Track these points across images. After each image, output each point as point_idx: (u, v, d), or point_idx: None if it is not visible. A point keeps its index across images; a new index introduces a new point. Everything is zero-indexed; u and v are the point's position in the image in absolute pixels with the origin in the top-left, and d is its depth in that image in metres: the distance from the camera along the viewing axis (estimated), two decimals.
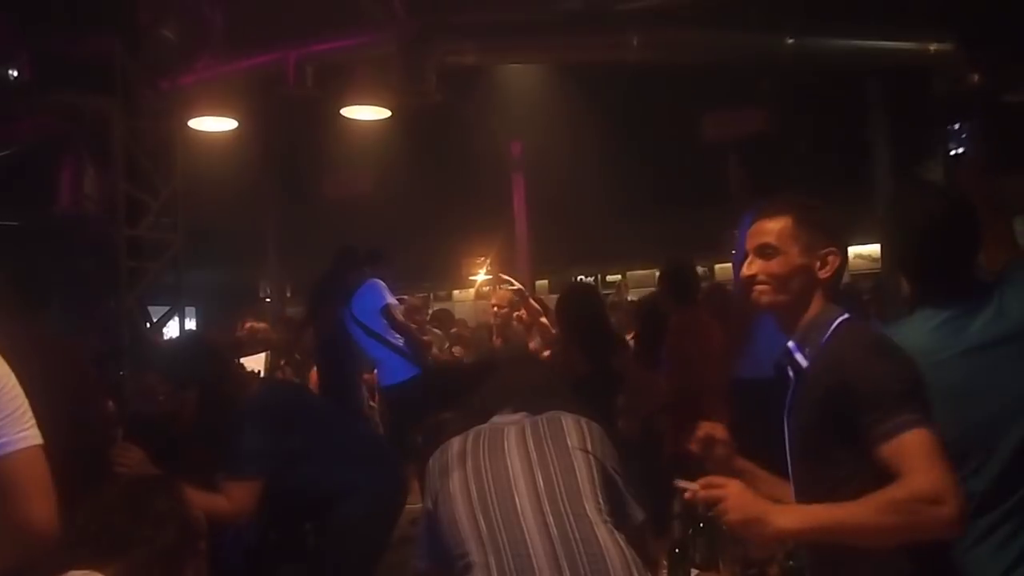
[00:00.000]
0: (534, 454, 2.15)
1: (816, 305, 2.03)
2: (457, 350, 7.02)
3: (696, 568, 2.58)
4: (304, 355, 7.04)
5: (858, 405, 1.82)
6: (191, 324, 8.16)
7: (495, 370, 2.57)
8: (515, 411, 2.28)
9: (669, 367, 4.65)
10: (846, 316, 2.01)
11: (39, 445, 1.96)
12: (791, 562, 2.43)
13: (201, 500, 3.04)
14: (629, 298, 10.13)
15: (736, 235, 3.94)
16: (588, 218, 11.46)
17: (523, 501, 2.06)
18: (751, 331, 3.73)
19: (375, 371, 6.56)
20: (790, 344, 2.03)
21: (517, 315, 6.47)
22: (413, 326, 6.44)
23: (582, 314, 4.69)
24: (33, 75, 6.46)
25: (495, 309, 6.67)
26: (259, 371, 5.77)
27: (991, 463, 2.04)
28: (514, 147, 11.13)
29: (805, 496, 2.00)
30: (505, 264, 13.02)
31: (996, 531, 2.02)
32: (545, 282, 14.21)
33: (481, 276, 14.14)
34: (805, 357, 2.00)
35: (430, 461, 2.25)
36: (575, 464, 2.14)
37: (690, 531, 2.61)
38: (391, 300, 6.05)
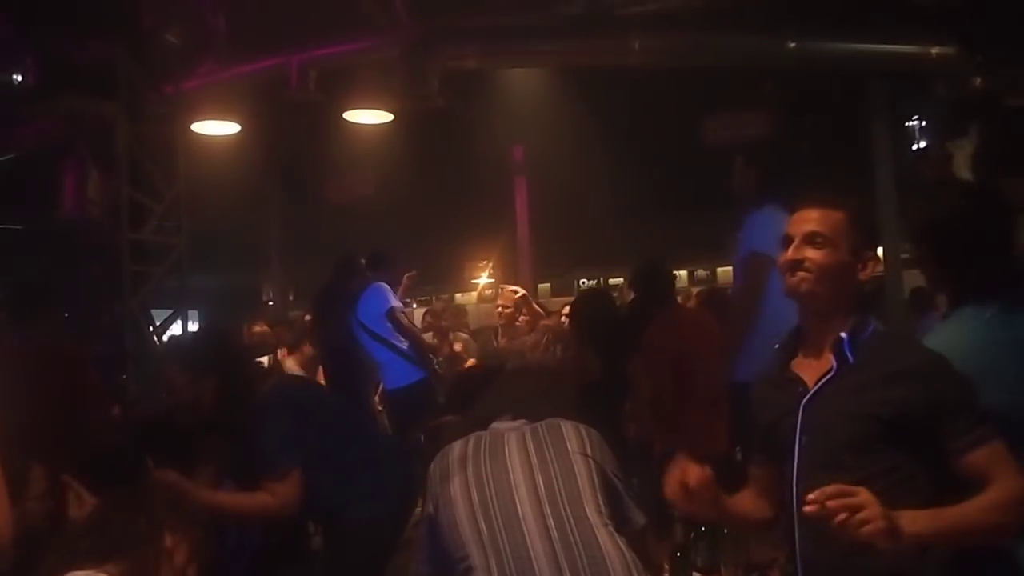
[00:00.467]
0: (535, 458, 2.16)
1: (851, 306, 2.06)
2: (458, 346, 7.04)
3: (698, 571, 2.59)
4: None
5: (942, 415, 1.89)
6: (194, 328, 8.17)
7: (496, 378, 2.58)
8: (514, 418, 2.29)
9: (649, 367, 4.62)
10: (874, 322, 2.06)
11: None
12: (792, 566, 2.43)
13: (246, 501, 3.06)
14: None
15: (738, 238, 3.95)
16: (590, 221, 11.46)
17: (524, 504, 2.07)
18: (748, 335, 3.73)
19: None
20: (844, 335, 2.02)
21: (522, 318, 6.52)
22: (418, 329, 6.45)
23: (595, 318, 4.70)
24: (37, 80, 6.48)
25: (500, 309, 6.69)
26: None
27: None
28: (516, 151, 11.14)
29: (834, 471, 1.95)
30: (507, 267, 13.04)
31: None
32: (547, 285, 14.21)
33: (483, 279, 14.15)
34: (852, 353, 2.01)
35: (431, 466, 2.25)
36: (575, 468, 2.15)
37: (692, 534, 2.62)
38: (396, 304, 6.05)
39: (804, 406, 2.03)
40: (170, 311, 7.43)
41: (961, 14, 6.06)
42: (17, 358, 3.73)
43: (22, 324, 4.10)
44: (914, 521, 1.78)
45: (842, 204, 2.09)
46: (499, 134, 10.38)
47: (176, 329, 7.56)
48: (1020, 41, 6.00)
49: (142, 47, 6.72)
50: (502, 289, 7.04)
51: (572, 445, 2.19)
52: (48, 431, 3.50)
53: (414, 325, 6.53)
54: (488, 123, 9.71)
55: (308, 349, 6.23)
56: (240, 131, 7.00)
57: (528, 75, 9.08)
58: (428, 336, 7.27)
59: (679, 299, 5.94)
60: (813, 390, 2.03)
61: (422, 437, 3.92)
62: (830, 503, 1.72)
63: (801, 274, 2.06)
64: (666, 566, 2.56)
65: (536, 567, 1.98)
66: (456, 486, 2.12)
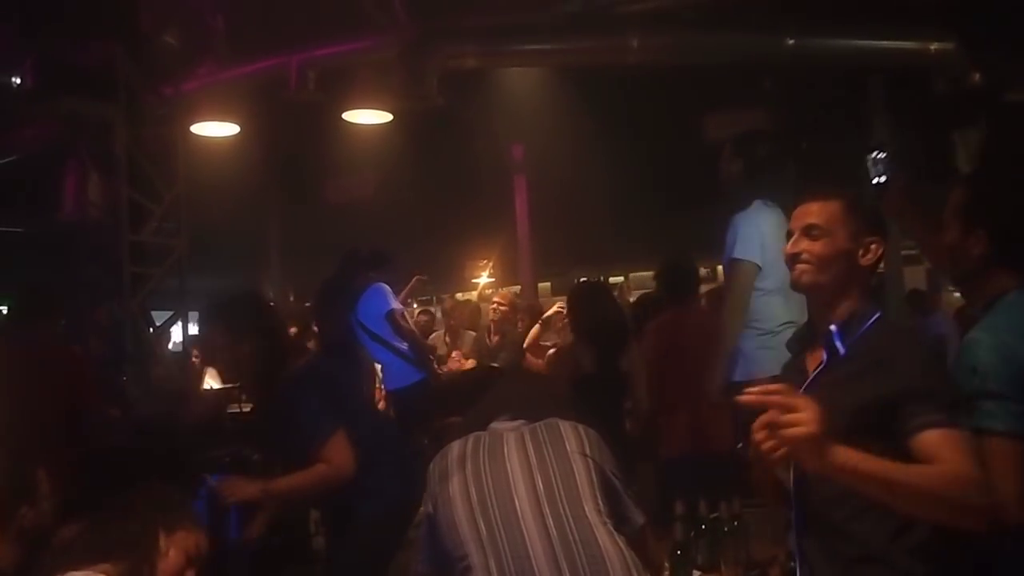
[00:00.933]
0: (533, 458, 2.16)
1: (856, 294, 2.09)
2: (465, 349, 7.07)
3: (698, 569, 2.59)
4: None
5: (905, 401, 1.89)
6: (194, 329, 8.19)
7: (493, 380, 2.59)
8: (513, 418, 2.29)
9: (660, 365, 4.63)
10: (880, 314, 2.06)
11: None
12: (792, 563, 2.43)
13: (305, 479, 3.07)
14: (631, 299, 10.13)
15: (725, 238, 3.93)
16: (590, 220, 11.44)
17: (523, 504, 2.07)
18: (737, 337, 3.72)
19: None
20: (833, 328, 2.05)
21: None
22: (416, 331, 6.45)
23: (591, 311, 4.70)
24: (36, 82, 6.49)
25: (495, 306, 6.70)
26: None
27: None
28: (516, 150, 11.13)
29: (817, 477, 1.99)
30: (508, 267, 13.04)
31: None
32: (548, 284, 14.20)
33: (484, 279, 14.14)
34: (843, 345, 2.03)
35: (430, 465, 2.26)
36: (574, 468, 2.15)
37: (692, 533, 2.62)
38: (396, 305, 6.05)
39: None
40: (170, 312, 7.43)
41: (960, 10, 6.05)
42: (18, 360, 3.74)
43: (23, 326, 4.11)
44: (845, 453, 1.78)
45: (838, 193, 2.13)
46: (498, 133, 10.37)
47: (176, 331, 7.57)
48: (1020, 36, 5.99)
49: (141, 49, 6.72)
50: (500, 287, 7.08)
51: (571, 445, 2.19)
52: (49, 432, 3.51)
53: (412, 326, 6.53)
54: (487, 122, 9.70)
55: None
56: (239, 132, 7.00)
57: (527, 74, 9.07)
58: (440, 335, 7.28)
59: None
60: (807, 382, 2.06)
61: (426, 440, 3.91)
62: (768, 397, 1.75)
63: (801, 266, 2.10)
64: (666, 564, 2.56)
65: (535, 566, 1.98)
66: (455, 486, 2.12)
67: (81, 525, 1.99)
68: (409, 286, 6.96)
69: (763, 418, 1.76)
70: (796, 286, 2.13)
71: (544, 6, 6.00)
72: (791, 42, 5.90)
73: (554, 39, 6.15)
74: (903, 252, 7.47)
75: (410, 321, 6.57)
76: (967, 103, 6.39)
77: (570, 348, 4.82)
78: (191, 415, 5.68)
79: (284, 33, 6.48)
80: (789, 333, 2.34)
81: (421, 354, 6.19)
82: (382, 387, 6.48)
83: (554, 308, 6.02)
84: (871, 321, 2.05)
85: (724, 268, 3.91)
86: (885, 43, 6.23)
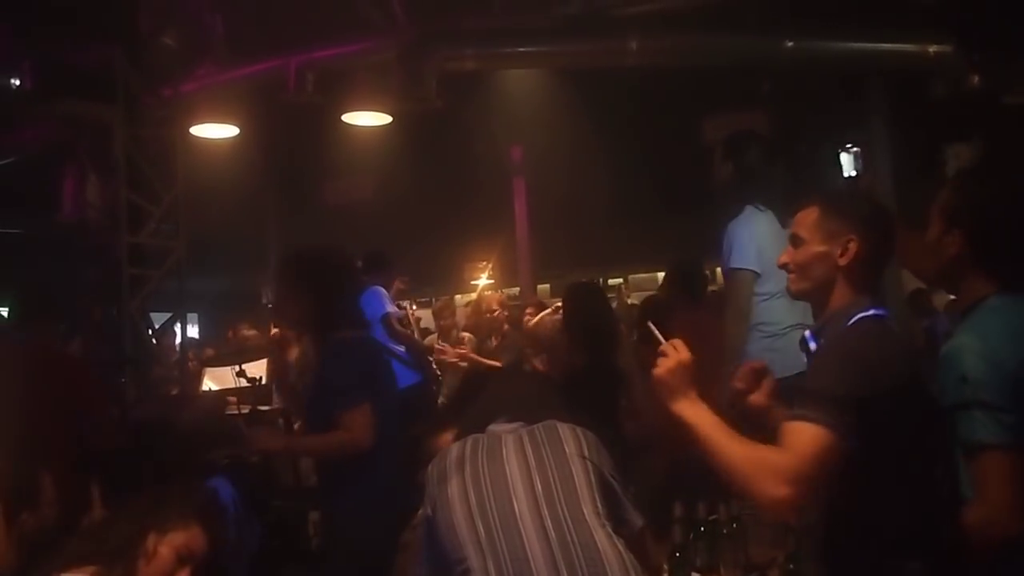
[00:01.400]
0: (532, 460, 2.16)
1: (840, 293, 2.11)
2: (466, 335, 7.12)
3: (696, 572, 2.59)
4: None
5: (799, 394, 1.94)
6: (193, 331, 8.19)
7: (489, 382, 2.59)
8: (510, 420, 2.28)
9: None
10: (872, 312, 2.04)
11: None
12: (791, 565, 2.43)
13: (320, 441, 3.21)
14: (630, 301, 10.14)
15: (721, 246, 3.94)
16: (589, 222, 11.46)
17: (521, 506, 2.07)
18: (739, 331, 3.72)
19: None
20: (806, 333, 2.13)
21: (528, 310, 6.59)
22: (411, 332, 6.45)
23: (583, 307, 4.72)
24: (35, 84, 6.48)
25: (487, 315, 6.74)
26: (261, 377, 5.78)
27: None
28: (514, 151, 11.14)
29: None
30: (507, 268, 13.04)
31: None
32: (547, 286, 14.20)
33: (483, 280, 14.14)
34: (817, 343, 2.09)
35: (428, 467, 2.25)
36: (573, 470, 2.15)
37: (691, 535, 2.62)
38: (391, 309, 6.05)
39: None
40: (169, 314, 7.43)
41: (959, 12, 6.05)
42: (17, 362, 3.73)
43: (21, 328, 4.10)
44: (686, 405, 1.98)
45: (815, 199, 2.18)
46: (497, 135, 10.38)
47: (175, 332, 7.56)
48: (1018, 39, 5.99)
49: (140, 50, 6.71)
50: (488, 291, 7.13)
51: (570, 447, 2.19)
52: (50, 435, 3.50)
53: (409, 328, 6.53)
54: (486, 124, 9.71)
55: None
56: (238, 134, 7.00)
57: (526, 76, 9.08)
58: (435, 338, 7.29)
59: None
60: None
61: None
62: (662, 348, 2.04)
63: (789, 276, 2.19)
64: (665, 567, 2.56)
65: (533, 568, 1.98)
66: (454, 488, 2.12)
67: (89, 527, 1.99)
68: (392, 291, 6.96)
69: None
70: (789, 295, 2.23)
71: (543, 8, 6.00)
72: (790, 44, 5.90)
73: (553, 41, 6.16)
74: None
75: (413, 323, 6.58)
76: (963, 111, 6.40)
77: (563, 346, 4.83)
78: (189, 417, 5.67)
79: (283, 35, 6.48)
80: (797, 334, 2.36)
81: (418, 356, 6.19)
82: None
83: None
84: (854, 319, 2.04)
85: (724, 276, 3.91)
86: (884, 45, 6.23)
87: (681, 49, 6.12)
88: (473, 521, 2.06)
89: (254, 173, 10.00)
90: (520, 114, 9.53)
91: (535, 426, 2.25)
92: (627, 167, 10.32)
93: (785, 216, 3.54)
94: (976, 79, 6.13)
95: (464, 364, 6.55)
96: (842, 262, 2.10)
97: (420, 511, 2.23)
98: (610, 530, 2.08)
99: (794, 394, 1.96)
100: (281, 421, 5.48)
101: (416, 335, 6.74)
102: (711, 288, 6.30)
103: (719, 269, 4.34)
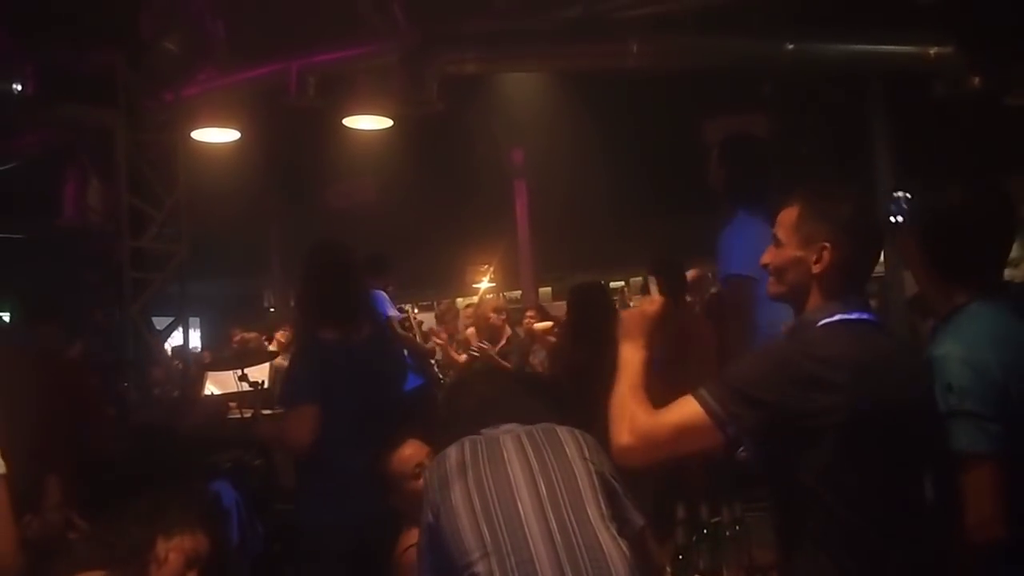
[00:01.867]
0: (535, 463, 2.16)
1: (813, 300, 2.02)
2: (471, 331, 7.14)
3: (700, 574, 2.58)
4: None
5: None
6: (195, 335, 8.20)
7: (472, 386, 2.57)
8: (504, 422, 2.28)
9: (665, 367, 4.62)
10: (837, 318, 1.97)
11: (1, 475, 1.91)
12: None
13: (271, 428, 3.53)
14: (632, 304, 10.12)
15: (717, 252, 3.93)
16: (591, 224, 11.45)
17: (526, 509, 2.07)
18: (748, 338, 3.71)
19: None
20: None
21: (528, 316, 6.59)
22: (413, 336, 6.46)
23: (587, 305, 4.73)
24: (37, 88, 6.49)
25: (490, 318, 6.75)
26: (263, 381, 5.78)
27: None
28: (516, 154, 11.14)
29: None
30: (508, 271, 13.04)
31: None
32: (548, 289, 14.20)
33: (484, 283, 14.15)
34: None
35: (426, 473, 2.24)
36: (575, 471, 2.15)
37: (694, 537, 2.62)
38: (393, 312, 6.06)
39: None
40: (171, 318, 7.43)
41: (959, 13, 6.05)
42: (17, 366, 3.73)
43: (23, 332, 4.10)
44: (631, 348, 2.15)
45: (796, 199, 2.08)
46: (498, 138, 10.38)
47: (177, 336, 7.56)
48: (1019, 40, 5.99)
49: (141, 55, 6.73)
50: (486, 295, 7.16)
51: (570, 449, 2.19)
52: (53, 440, 3.50)
53: (411, 332, 6.53)
54: (487, 127, 9.72)
55: None
56: (240, 138, 7.00)
57: (527, 79, 9.09)
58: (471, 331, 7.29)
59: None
60: None
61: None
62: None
63: (768, 278, 2.12)
64: (668, 569, 2.56)
65: (539, 568, 1.98)
66: (457, 494, 2.11)
67: (82, 533, 2.00)
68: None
69: None
70: (769, 298, 2.15)
71: (544, 11, 6.01)
72: (790, 47, 5.90)
73: (554, 44, 6.16)
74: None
75: (415, 327, 6.58)
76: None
77: (568, 346, 4.84)
78: (192, 421, 5.68)
79: (284, 39, 6.49)
80: None
81: (420, 359, 6.19)
82: None
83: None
84: (817, 326, 1.97)
85: (720, 283, 3.90)
86: (884, 47, 6.23)
87: (682, 51, 6.13)
88: (478, 526, 2.05)
89: (256, 177, 10.00)
90: (521, 117, 9.53)
91: (533, 427, 2.25)
92: (628, 169, 10.32)
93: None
94: (977, 80, 6.13)
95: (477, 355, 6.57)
96: (816, 269, 2.00)
97: (421, 518, 2.22)
98: (614, 531, 2.08)
99: None
100: None
101: (418, 338, 6.74)
102: (712, 290, 6.31)
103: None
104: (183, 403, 6.50)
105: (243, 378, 5.57)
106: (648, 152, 9.91)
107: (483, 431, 2.28)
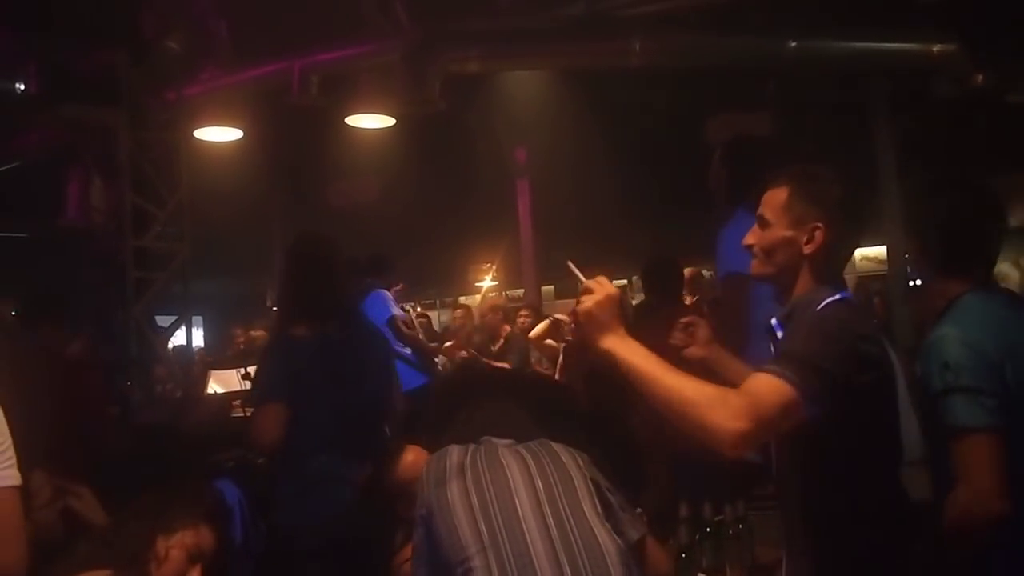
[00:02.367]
0: (532, 464, 2.17)
1: (804, 282, 2.03)
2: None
3: (703, 573, 2.58)
4: None
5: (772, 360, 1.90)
6: (198, 334, 8.20)
7: (470, 396, 2.56)
8: (500, 437, 2.29)
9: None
10: (838, 297, 1.98)
11: (15, 487, 1.90)
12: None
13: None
14: (634, 302, 10.12)
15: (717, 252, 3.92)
16: (593, 223, 11.44)
17: (523, 504, 2.07)
18: (745, 336, 3.71)
19: None
20: (773, 321, 2.05)
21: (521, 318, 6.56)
22: (416, 334, 6.46)
23: None
24: (40, 88, 6.50)
25: (486, 317, 6.75)
26: None
27: None
28: (519, 153, 11.13)
29: (783, 459, 2.07)
30: (511, 270, 13.04)
31: None
32: (551, 288, 14.20)
33: (487, 282, 14.15)
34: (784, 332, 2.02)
35: (424, 468, 2.25)
36: (571, 473, 2.16)
37: (696, 536, 2.62)
38: (396, 311, 6.06)
39: None
40: (174, 317, 7.44)
41: (962, 11, 6.04)
42: (22, 365, 3.74)
43: (27, 331, 4.11)
44: (617, 340, 1.92)
45: (785, 179, 2.07)
46: (501, 137, 10.38)
47: (180, 335, 7.57)
48: (1022, 37, 5.98)
49: (144, 54, 6.73)
50: (487, 294, 7.16)
51: (565, 458, 2.21)
52: (52, 438, 3.50)
53: (415, 330, 6.53)
54: (490, 126, 9.71)
55: None
56: (242, 137, 7.01)
57: (529, 77, 9.08)
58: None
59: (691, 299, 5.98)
60: None
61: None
62: (583, 284, 2.02)
63: (753, 259, 2.10)
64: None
65: (536, 562, 1.99)
66: (455, 491, 2.12)
67: (82, 532, 2.00)
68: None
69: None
70: (753, 278, 2.14)
71: (546, 9, 6.01)
72: (793, 44, 5.90)
73: (556, 42, 6.16)
74: (907, 255, 7.47)
75: (416, 325, 6.58)
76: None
77: (582, 344, 4.82)
78: (195, 419, 5.68)
79: (287, 38, 6.49)
80: None
81: (425, 358, 6.19)
82: None
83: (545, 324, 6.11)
84: (820, 306, 1.96)
85: (720, 282, 3.89)
86: (887, 45, 6.22)
87: (684, 50, 6.12)
88: (476, 523, 2.06)
89: (258, 176, 10.01)
90: (524, 115, 9.53)
91: (528, 443, 2.26)
92: (631, 168, 10.31)
93: None
94: (980, 78, 6.12)
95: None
96: (807, 250, 2.00)
97: (415, 514, 2.22)
98: (611, 529, 2.09)
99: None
100: None
101: (422, 336, 6.74)
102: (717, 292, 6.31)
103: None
104: (186, 402, 6.51)
105: (246, 376, 5.58)
106: (651, 151, 9.90)
107: (481, 439, 2.28)
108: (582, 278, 2.06)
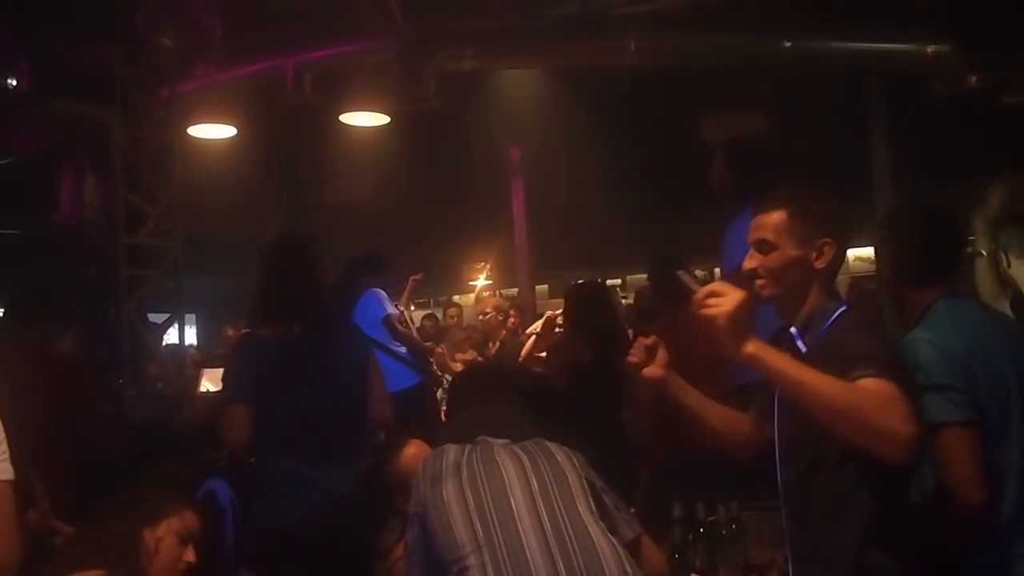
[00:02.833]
0: (527, 463, 2.18)
1: (815, 295, 2.12)
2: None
3: (696, 573, 2.58)
4: None
5: (852, 366, 1.87)
6: (191, 331, 8.19)
7: (474, 393, 2.56)
8: (496, 437, 2.28)
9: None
10: (845, 308, 2.09)
11: (8, 480, 1.91)
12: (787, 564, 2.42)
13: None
14: (625, 303, 10.13)
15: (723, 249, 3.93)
16: (588, 222, 11.45)
17: (518, 504, 2.08)
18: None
19: None
20: (792, 330, 2.11)
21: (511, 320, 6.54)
22: (412, 334, 6.45)
23: (588, 302, 4.70)
24: (33, 84, 6.48)
25: (486, 316, 6.73)
26: None
27: None
28: (513, 152, 11.12)
29: (794, 461, 2.10)
30: (505, 269, 13.03)
31: None
32: (545, 287, 14.20)
33: (481, 281, 14.14)
34: (804, 344, 2.08)
35: (420, 465, 2.24)
36: (566, 473, 2.17)
37: (690, 536, 2.62)
38: (391, 311, 6.05)
39: (776, 397, 2.15)
40: (167, 314, 7.42)
41: (958, 12, 6.05)
42: (13, 363, 3.72)
43: (17, 328, 4.09)
44: (761, 346, 1.89)
45: (780, 203, 2.14)
46: (496, 135, 10.37)
47: (173, 333, 7.54)
48: (1017, 39, 5.99)
49: (138, 51, 6.71)
50: (487, 294, 7.15)
51: (560, 457, 2.23)
52: (44, 436, 3.49)
53: (411, 329, 6.52)
54: (485, 124, 9.70)
55: None
56: (236, 134, 6.99)
57: (524, 76, 9.08)
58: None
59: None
60: None
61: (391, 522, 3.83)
62: (703, 299, 1.94)
63: (759, 282, 2.15)
64: None
65: (530, 559, 1.99)
66: (450, 490, 2.12)
67: (72, 533, 1.99)
68: (408, 288, 6.96)
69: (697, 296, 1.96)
70: (759, 300, 2.16)
71: (541, 8, 6.00)
72: (788, 44, 5.89)
73: (551, 41, 6.15)
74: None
75: (411, 324, 6.56)
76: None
77: (567, 342, 4.81)
78: (188, 417, 5.66)
79: (281, 35, 6.47)
80: None
81: (419, 357, 6.18)
82: None
83: (541, 322, 6.09)
84: (833, 317, 2.08)
85: (727, 276, 3.89)
86: (882, 45, 6.22)
87: (679, 49, 6.11)
88: (471, 521, 2.06)
89: (252, 173, 9.97)
90: (518, 114, 9.52)
91: (524, 442, 2.26)
92: (625, 167, 10.31)
93: None
94: (975, 79, 6.13)
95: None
96: (819, 265, 2.10)
97: (409, 510, 2.22)
98: (605, 528, 2.09)
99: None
100: None
101: (415, 335, 6.73)
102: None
103: (717, 269, 4.33)
104: (179, 400, 6.49)
105: None
106: (645, 150, 9.91)
107: (477, 439, 2.28)
108: (695, 287, 2.04)
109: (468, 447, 2.24)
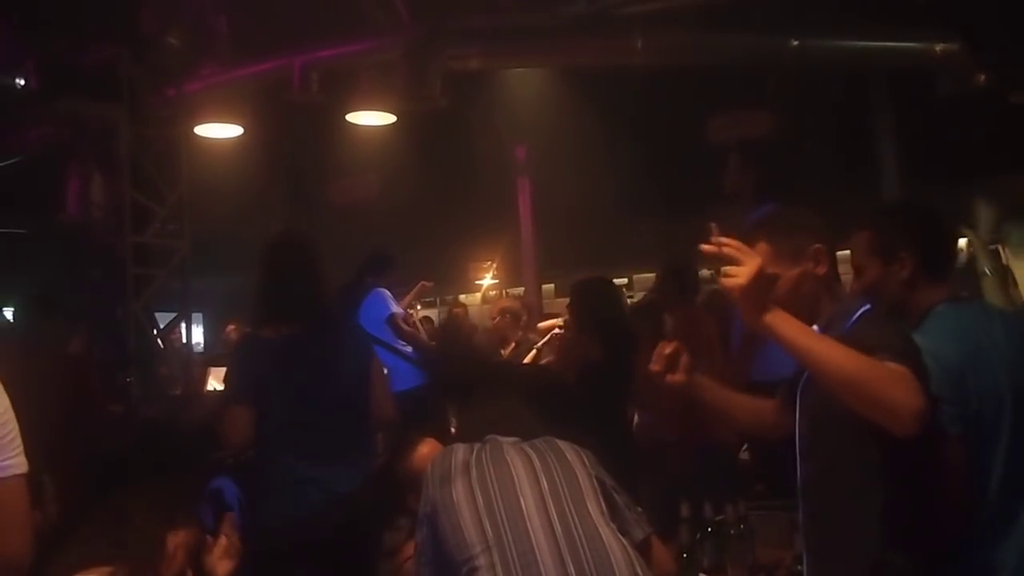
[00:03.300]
0: (537, 463, 2.17)
1: (830, 298, 2.16)
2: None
3: (704, 572, 2.58)
4: None
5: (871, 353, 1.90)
6: (198, 330, 8.18)
7: (480, 390, 2.56)
8: (505, 435, 2.28)
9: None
10: (868, 307, 2.13)
11: (22, 474, 1.91)
12: (799, 566, 2.42)
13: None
14: (632, 302, 10.13)
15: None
16: (594, 221, 11.45)
17: (528, 504, 2.08)
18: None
19: None
20: (815, 328, 2.10)
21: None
22: (417, 332, 6.45)
23: (597, 301, 4.68)
24: (39, 83, 6.48)
25: (497, 318, 6.73)
26: None
27: None
28: (519, 151, 11.13)
29: (813, 458, 2.11)
30: (511, 268, 13.03)
31: None
32: (551, 286, 14.20)
33: (487, 280, 14.14)
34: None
35: (429, 465, 2.24)
36: (576, 472, 2.17)
37: (698, 535, 2.61)
38: (396, 310, 6.06)
39: (800, 393, 2.17)
40: (174, 314, 7.43)
41: (965, 11, 6.04)
42: (21, 362, 3.73)
43: (25, 328, 4.10)
44: (780, 316, 1.90)
45: (756, 235, 2.17)
46: (502, 134, 10.37)
47: (180, 331, 7.55)
48: None
49: (144, 50, 6.71)
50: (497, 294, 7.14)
51: (571, 456, 2.22)
52: (53, 435, 3.50)
53: (416, 329, 6.53)
54: (491, 123, 9.71)
55: None
56: (243, 133, 6.99)
57: (531, 75, 9.08)
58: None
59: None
60: (804, 379, 2.14)
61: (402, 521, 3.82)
62: (724, 248, 1.93)
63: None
64: None
65: (540, 560, 1.99)
66: (459, 490, 2.12)
67: (85, 528, 1.99)
68: (414, 291, 6.96)
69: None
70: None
71: (548, 7, 5.99)
72: (795, 43, 5.89)
73: (558, 40, 6.15)
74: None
75: (419, 325, 6.57)
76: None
77: (577, 339, 4.79)
78: (194, 416, 5.67)
79: (287, 34, 6.47)
80: None
81: (425, 356, 6.19)
82: None
83: (551, 323, 6.09)
84: (857, 315, 2.11)
85: None
86: (890, 44, 6.21)
87: (686, 48, 6.11)
88: (481, 521, 2.06)
89: (258, 172, 10.00)
90: (524, 113, 9.53)
91: (534, 441, 2.26)
92: (632, 166, 10.31)
93: None
94: (982, 78, 6.11)
95: None
96: (820, 271, 2.16)
97: (419, 511, 2.22)
98: (615, 527, 2.09)
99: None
100: None
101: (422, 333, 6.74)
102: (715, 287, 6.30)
103: (723, 268, 4.31)
104: (186, 399, 6.50)
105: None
106: (651, 149, 9.90)
107: (486, 438, 2.28)
108: (732, 253, 1.96)
109: (477, 446, 2.24)
